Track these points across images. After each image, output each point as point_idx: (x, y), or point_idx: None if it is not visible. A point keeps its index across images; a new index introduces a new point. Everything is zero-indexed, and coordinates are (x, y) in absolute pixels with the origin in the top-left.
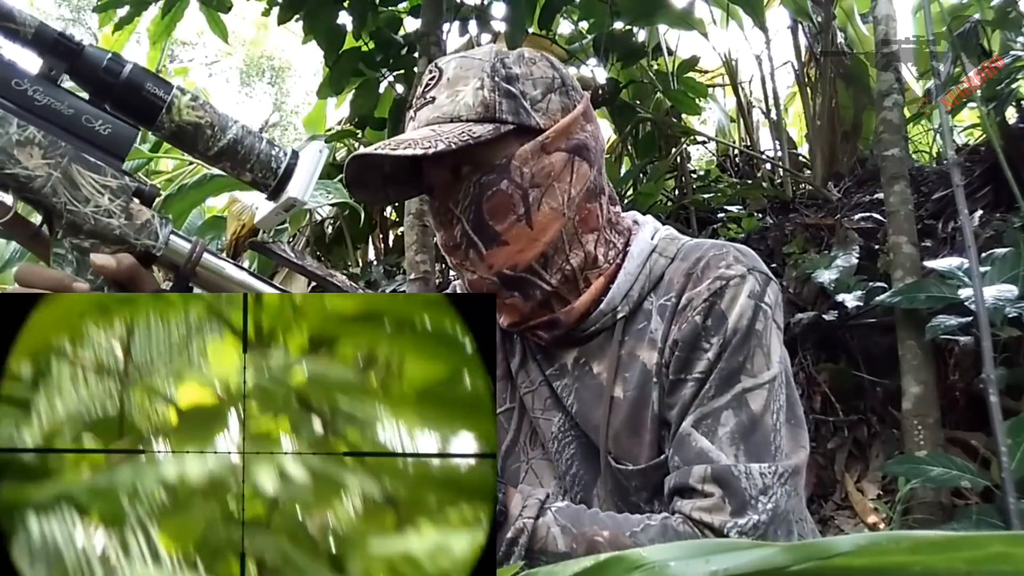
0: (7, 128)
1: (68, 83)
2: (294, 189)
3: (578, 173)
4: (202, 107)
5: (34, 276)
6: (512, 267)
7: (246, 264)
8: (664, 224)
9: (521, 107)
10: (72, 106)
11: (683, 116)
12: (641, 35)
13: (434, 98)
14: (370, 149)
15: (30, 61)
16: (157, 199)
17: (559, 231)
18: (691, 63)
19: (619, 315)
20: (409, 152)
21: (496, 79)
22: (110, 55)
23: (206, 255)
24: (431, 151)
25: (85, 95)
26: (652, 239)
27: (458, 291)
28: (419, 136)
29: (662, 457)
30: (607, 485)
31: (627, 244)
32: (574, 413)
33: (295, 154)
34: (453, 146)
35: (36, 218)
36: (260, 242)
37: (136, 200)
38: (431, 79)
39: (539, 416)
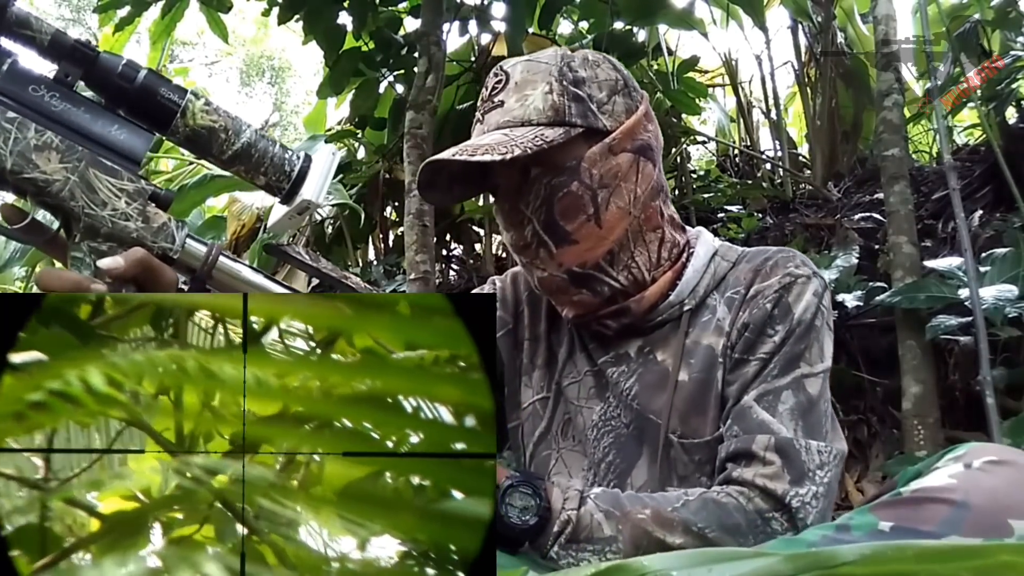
0: (25, 133)
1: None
2: (308, 192)
3: (643, 173)
4: (216, 111)
5: (54, 279)
6: (581, 264)
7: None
8: None
9: (589, 110)
10: (88, 111)
11: (683, 116)
12: (641, 35)
13: (503, 102)
14: (446, 155)
15: (41, 65)
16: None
17: (625, 229)
18: (691, 63)
19: (686, 307)
20: (487, 158)
21: (564, 83)
22: (125, 61)
23: (222, 258)
24: (508, 156)
25: (99, 100)
26: (713, 243)
27: (496, 289)
28: (493, 141)
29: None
30: (657, 467)
31: (687, 243)
32: (632, 396)
33: (308, 157)
34: (528, 151)
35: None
36: (276, 245)
37: (152, 204)
38: (498, 82)
39: (581, 405)
